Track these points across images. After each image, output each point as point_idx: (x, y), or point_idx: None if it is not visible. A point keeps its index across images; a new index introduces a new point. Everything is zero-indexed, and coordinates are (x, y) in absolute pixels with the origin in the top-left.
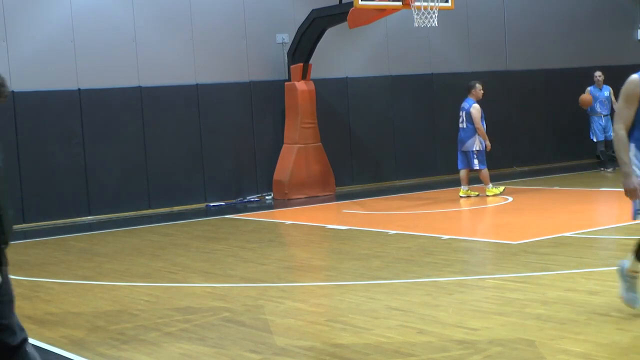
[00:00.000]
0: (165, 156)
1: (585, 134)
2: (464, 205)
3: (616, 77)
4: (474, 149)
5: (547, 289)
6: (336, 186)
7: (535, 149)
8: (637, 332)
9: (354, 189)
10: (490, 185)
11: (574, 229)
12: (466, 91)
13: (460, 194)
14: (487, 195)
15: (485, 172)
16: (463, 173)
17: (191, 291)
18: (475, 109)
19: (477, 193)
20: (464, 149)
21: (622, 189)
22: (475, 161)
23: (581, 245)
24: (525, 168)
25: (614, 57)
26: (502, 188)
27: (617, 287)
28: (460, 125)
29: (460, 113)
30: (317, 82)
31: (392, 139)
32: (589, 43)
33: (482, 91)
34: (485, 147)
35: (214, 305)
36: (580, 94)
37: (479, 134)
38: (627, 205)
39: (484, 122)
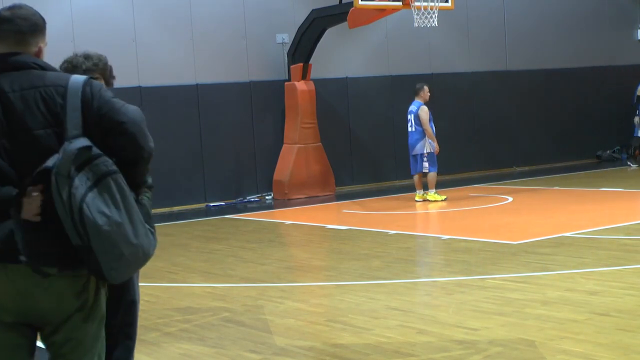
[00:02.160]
0: (165, 156)
1: (586, 134)
2: (469, 205)
3: (617, 77)
4: (424, 152)
5: (547, 289)
6: (336, 186)
7: (535, 148)
8: (637, 332)
9: (354, 189)
10: (434, 190)
11: (574, 229)
12: (413, 94)
13: (416, 198)
14: (429, 201)
15: (433, 176)
16: (416, 178)
17: (191, 291)
18: (423, 111)
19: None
20: (413, 152)
21: (622, 189)
22: (425, 164)
23: (581, 245)
24: (526, 168)
25: (614, 57)
26: (444, 197)
27: (616, 287)
28: (409, 129)
29: (409, 117)
30: (317, 82)
31: (392, 139)
32: (589, 43)
33: (429, 93)
34: (435, 149)
35: (214, 305)
36: (580, 94)
37: (427, 136)
38: (627, 205)
39: (433, 125)
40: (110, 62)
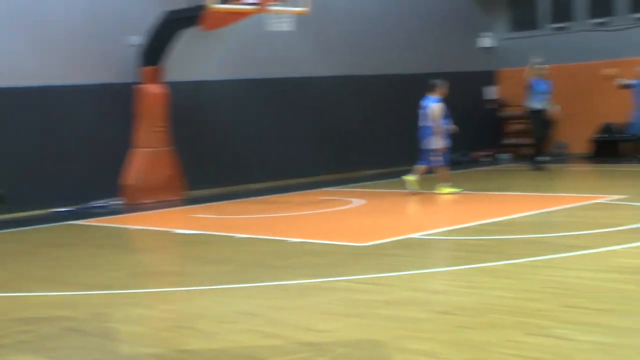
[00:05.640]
0: (10, 160)
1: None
2: (321, 208)
3: (460, 83)
4: (433, 147)
5: (394, 289)
6: (187, 190)
7: (383, 151)
8: (477, 329)
9: (205, 193)
10: (449, 184)
11: (419, 230)
12: (428, 90)
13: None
14: (443, 194)
15: (444, 170)
16: (422, 169)
17: (33, 300)
18: (437, 108)
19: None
20: (424, 147)
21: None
22: (438, 159)
23: (426, 246)
24: (374, 171)
25: (456, 64)
26: (461, 189)
27: (459, 285)
28: (421, 124)
29: (420, 112)
30: (171, 85)
31: (246, 143)
32: (437, 49)
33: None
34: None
35: (57, 314)
36: (419, 101)
37: (436, 133)
38: (475, 206)
39: (446, 121)
40: None
